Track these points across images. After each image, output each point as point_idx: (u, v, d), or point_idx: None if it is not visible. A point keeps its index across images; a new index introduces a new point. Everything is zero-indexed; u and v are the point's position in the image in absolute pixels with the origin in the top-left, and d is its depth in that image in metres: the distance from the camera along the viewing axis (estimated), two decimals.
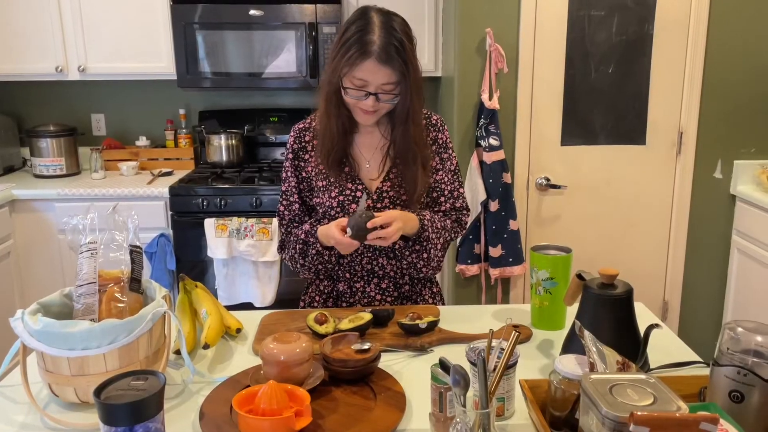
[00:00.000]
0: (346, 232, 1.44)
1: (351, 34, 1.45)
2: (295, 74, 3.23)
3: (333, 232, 1.46)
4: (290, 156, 1.65)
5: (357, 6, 3.13)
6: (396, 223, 1.45)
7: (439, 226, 1.61)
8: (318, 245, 1.58)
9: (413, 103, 1.51)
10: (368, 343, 1.28)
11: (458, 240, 2.88)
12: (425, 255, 1.59)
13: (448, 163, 1.67)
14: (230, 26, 3.17)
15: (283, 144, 3.63)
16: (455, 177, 1.69)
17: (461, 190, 1.70)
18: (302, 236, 1.61)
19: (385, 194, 1.60)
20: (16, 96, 3.60)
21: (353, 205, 1.59)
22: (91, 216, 1.28)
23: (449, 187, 1.67)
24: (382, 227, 1.44)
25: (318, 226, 1.59)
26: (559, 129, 2.90)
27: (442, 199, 1.67)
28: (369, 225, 1.43)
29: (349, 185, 1.60)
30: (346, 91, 1.49)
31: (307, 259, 1.61)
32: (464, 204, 1.71)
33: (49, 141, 3.34)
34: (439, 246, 1.62)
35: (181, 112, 3.61)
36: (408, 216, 1.53)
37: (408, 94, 1.49)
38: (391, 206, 1.60)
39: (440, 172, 1.66)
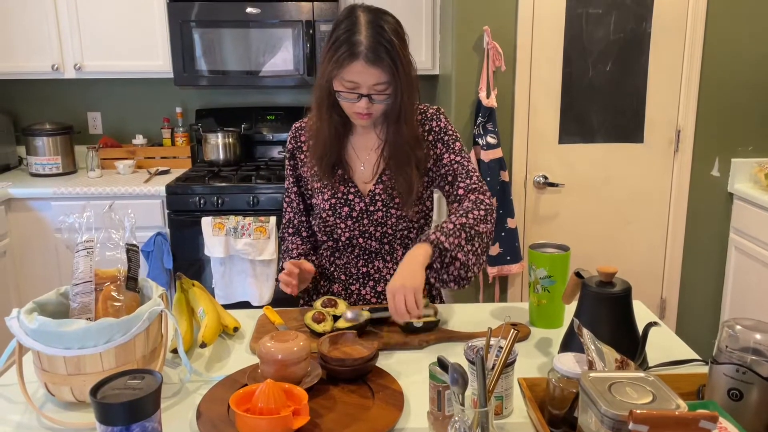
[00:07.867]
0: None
1: (338, 35, 1.41)
2: (292, 72, 3.23)
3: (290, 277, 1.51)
4: (287, 155, 1.67)
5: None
6: (398, 294, 1.31)
7: (451, 228, 1.42)
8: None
9: (404, 102, 1.46)
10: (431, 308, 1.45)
11: None
12: (458, 263, 1.41)
13: (452, 144, 1.57)
14: (227, 24, 3.16)
15: (280, 142, 3.62)
16: (464, 158, 1.57)
17: (473, 170, 1.56)
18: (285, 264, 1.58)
19: (378, 197, 1.57)
20: (12, 94, 3.58)
21: (345, 208, 1.58)
22: (87, 214, 1.28)
23: (462, 167, 1.55)
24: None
25: (299, 259, 1.60)
26: (557, 127, 2.90)
27: (459, 180, 1.55)
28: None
29: (342, 188, 1.58)
30: (339, 95, 1.46)
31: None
32: (479, 185, 1.54)
33: (45, 139, 3.33)
34: (472, 247, 1.43)
35: (178, 110, 3.60)
36: (410, 259, 1.36)
37: (398, 94, 1.44)
38: (384, 209, 1.57)
39: (447, 154, 1.56)
